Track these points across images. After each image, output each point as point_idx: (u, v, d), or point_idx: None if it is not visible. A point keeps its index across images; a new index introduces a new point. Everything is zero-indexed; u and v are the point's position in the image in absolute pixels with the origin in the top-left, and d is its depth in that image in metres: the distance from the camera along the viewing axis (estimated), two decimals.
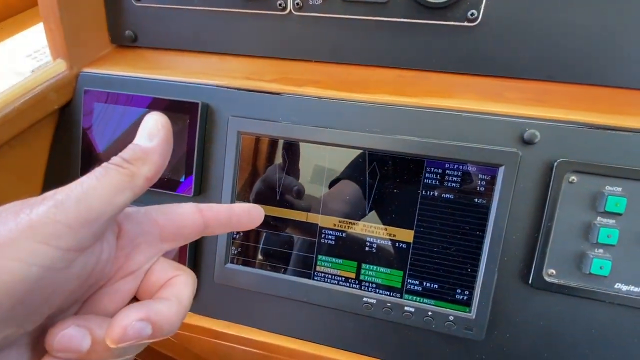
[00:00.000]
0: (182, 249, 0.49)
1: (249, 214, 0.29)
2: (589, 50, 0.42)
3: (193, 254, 0.50)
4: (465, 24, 0.42)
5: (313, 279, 0.45)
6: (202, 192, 0.49)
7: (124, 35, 0.54)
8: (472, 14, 0.42)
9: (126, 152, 0.23)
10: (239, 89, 0.47)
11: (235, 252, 0.47)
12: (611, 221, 0.39)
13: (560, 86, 0.44)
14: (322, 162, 0.44)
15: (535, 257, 0.40)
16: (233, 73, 0.49)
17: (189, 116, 0.47)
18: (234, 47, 0.51)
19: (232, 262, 0.47)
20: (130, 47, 0.55)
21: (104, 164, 0.22)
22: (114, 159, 0.23)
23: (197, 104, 0.46)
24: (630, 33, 0.41)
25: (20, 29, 0.65)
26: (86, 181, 0.21)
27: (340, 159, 0.44)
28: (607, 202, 0.38)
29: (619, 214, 0.38)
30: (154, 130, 0.24)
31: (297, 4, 0.45)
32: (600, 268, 0.39)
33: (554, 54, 0.43)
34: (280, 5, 0.46)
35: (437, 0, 0.41)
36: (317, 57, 0.49)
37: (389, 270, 0.43)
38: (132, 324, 0.21)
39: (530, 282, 0.41)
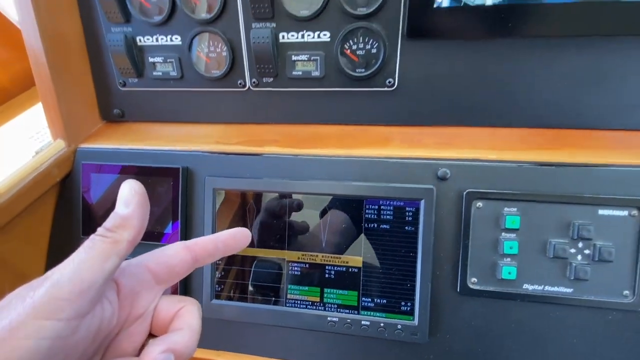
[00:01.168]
0: (173, 289, 0.58)
1: (234, 238, 0.31)
2: (488, 98, 0.53)
3: (184, 292, 0.58)
4: (386, 89, 0.54)
5: (285, 306, 0.54)
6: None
7: (113, 113, 0.64)
8: (389, 82, 0.53)
9: (108, 222, 0.26)
10: (212, 153, 0.57)
11: (219, 289, 0.56)
12: (512, 235, 0.49)
13: (466, 130, 0.55)
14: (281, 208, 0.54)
15: (459, 269, 0.50)
16: (206, 139, 0.59)
17: (172, 179, 0.56)
18: (206, 117, 0.61)
19: (217, 298, 0.56)
20: (119, 122, 0.65)
21: (91, 236, 0.26)
22: (99, 230, 0.26)
23: (178, 168, 0.56)
24: (517, 83, 0.52)
25: (18, 112, 0.75)
26: (76, 257, 0.24)
27: (299, 203, 0.54)
28: (506, 220, 0.49)
29: (517, 229, 0.49)
30: (129, 197, 0.27)
31: (254, 82, 0.57)
32: (509, 273, 0.49)
33: (459, 104, 0.54)
34: (240, 84, 0.57)
35: (360, 75, 0.53)
36: (274, 121, 0.59)
37: (346, 292, 0.53)
38: (157, 357, 0.25)
39: (458, 290, 0.50)
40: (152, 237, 0.58)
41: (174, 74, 0.58)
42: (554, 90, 0.51)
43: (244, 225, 0.55)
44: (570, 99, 0.51)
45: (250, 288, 0.55)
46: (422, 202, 0.50)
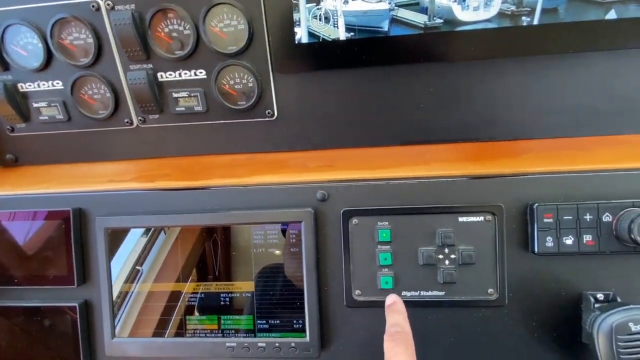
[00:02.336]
0: (74, 328, 0.57)
1: None
2: (361, 121, 0.57)
3: (86, 333, 0.58)
4: (267, 119, 0.57)
5: (185, 337, 0.55)
6: (86, 281, 0.58)
7: (6, 159, 0.63)
8: (268, 112, 0.56)
9: None
10: (104, 192, 0.58)
11: (119, 326, 0.56)
12: (385, 247, 0.53)
13: (346, 151, 0.59)
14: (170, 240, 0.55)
15: (344, 282, 0.53)
16: (100, 178, 0.60)
17: (63, 222, 0.56)
18: (99, 156, 0.62)
19: (118, 336, 0.56)
20: (14, 167, 0.64)
21: None
22: None
23: (69, 211, 0.56)
24: (383, 105, 0.57)
25: None
26: None
27: (191, 235, 0.55)
28: (379, 234, 0.53)
29: (389, 242, 0.53)
30: None
31: (140, 119, 0.58)
32: (386, 283, 0.53)
33: (337, 128, 0.58)
34: (127, 122, 0.58)
35: (242, 107, 0.56)
36: (165, 154, 0.61)
37: (242, 317, 0.55)
38: None
39: (345, 303, 0.54)
40: (48, 281, 0.58)
41: (60, 117, 0.58)
42: (414, 110, 0.56)
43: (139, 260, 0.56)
44: (429, 116, 0.56)
45: (151, 322, 0.56)
46: (303, 224, 0.53)
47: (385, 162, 0.56)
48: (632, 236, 0.46)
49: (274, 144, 0.59)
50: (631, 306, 0.44)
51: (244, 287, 0.54)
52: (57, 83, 0.57)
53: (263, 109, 0.56)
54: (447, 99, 0.54)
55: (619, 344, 0.43)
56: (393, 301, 0.49)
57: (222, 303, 0.55)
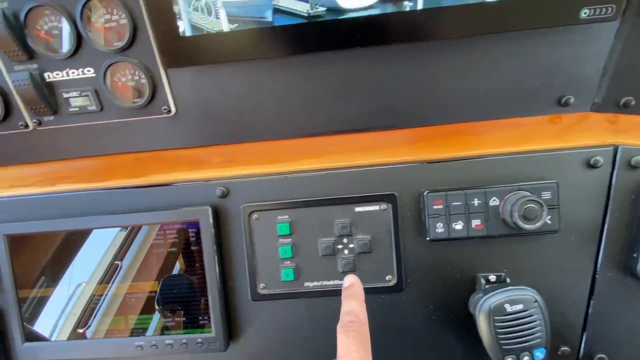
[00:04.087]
0: None
1: None
2: (262, 114, 0.56)
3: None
4: (165, 115, 0.56)
5: (96, 337, 0.55)
6: None
7: None
8: (165, 109, 0.55)
9: None
10: (6, 197, 0.56)
11: (28, 331, 0.56)
12: (286, 240, 0.53)
13: (248, 145, 0.58)
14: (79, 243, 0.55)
15: (248, 277, 0.54)
16: (1, 183, 0.58)
17: None
18: None
19: (28, 340, 0.56)
20: None
21: None
22: None
23: None
24: (282, 98, 0.55)
25: None
26: None
27: (97, 238, 0.55)
28: (279, 228, 0.53)
29: (289, 235, 0.53)
30: None
31: (35, 122, 0.56)
32: (287, 275, 0.53)
33: (239, 122, 0.56)
34: (22, 125, 0.56)
35: (137, 105, 0.54)
36: (66, 156, 0.59)
37: (149, 316, 0.55)
38: None
39: (250, 297, 0.54)
40: None
41: None
42: (309, 102, 0.54)
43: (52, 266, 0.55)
44: (324, 107, 0.54)
45: (61, 325, 0.56)
46: (200, 222, 0.53)
47: (285, 155, 0.56)
48: (513, 220, 0.47)
49: (175, 140, 0.57)
50: (508, 288, 0.46)
51: (148, 287, 0.54)
52: None
53: (159, 106, 0.55)
54: (341, 89, 0.53)
55: (496, 324, 0.45)
56: (350, 283, 0.45)
57: (129, 304, 0.55)
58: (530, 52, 0.50)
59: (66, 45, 0.51)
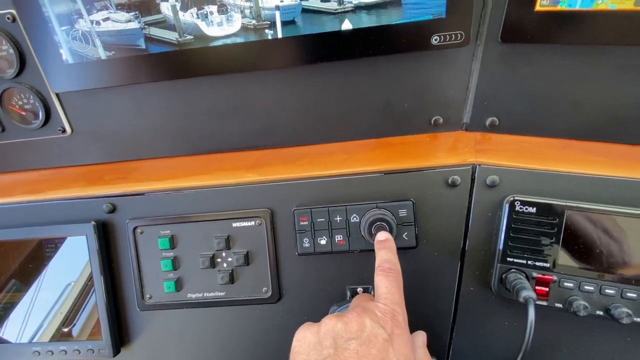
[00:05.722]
0: None
1: None
2: (155, 133, 0.59)
3: None
4: (61, 135, 0.59)
5: None
6: None
7: None
8: (60, 129, 0.58)
9: None
10: None
11: None
12: (168, 254, 0.56)
13: (142, 163, 0.61)
14: None
15: (135, 287, 0.57)
16: None
17: None
18: None
19: None
20: None
21: None
22: None
23: None
24: (168, 118, 0.59)
25: None
26: None
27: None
28: (160, 242, 0.56)
29: (170, 249, 0.56)
30: None
31: None
32: (169, 287, 0.56)
33: (134, 140, 0.59)
34: None
35: (32, 127, 0.58)
36: None
37: (48, 324, 0.58)
38: None
39: (138, 307, 0.57)
40: None
41: None
42: (196, 122, 0.57)
43: None
44: (211, 127, 0.57)
45: None
46: (85, 237, 0.56)
47: (174, 172, 0.59)
48: (364, 235, 0.49)
49: (73, 158, 0.61)
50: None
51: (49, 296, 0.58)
52: None
53: (55, 126, 0.59)
54: (224, 110, 0.56)
55: None
56: (385, 238, 0.48)
57: (28, 311, 0.59)
58: (396, 75, 0.53)
59: None
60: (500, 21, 0.46)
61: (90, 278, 0.57)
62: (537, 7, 0.45)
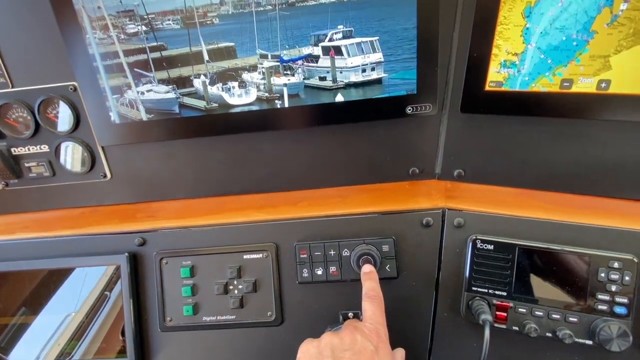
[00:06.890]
0: None
1: None
2: (180, 178, 0.71)
3: None
4: (102, 179, 0.71)
5: None
6: None
7: None
8: (102, 174, 0.70)
9: None
10: None
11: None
12: (188, 282, 0.66)
13: (168, 203, 0.72)
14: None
15: (158, 310, 0.66)
16: None
17: None
18: None
19: None
20: None
21: None
22: None
23: None
24: (194, 167, 0.71)
25: None
26: None
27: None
28: (182, 271, 0.66)
29: (190, 277, 0.66)
30: None
31: (3, 184, 0.72)
32: (187, 311, 0.66)
33: (163, 184, 0.71)
34: None
35: (81, 172, 0.70)
36: (24, 210, 0.74)
37: (76, 342, 0.67)
38: None
39: (159, 328, 0.66)
40: None
41: None
42: (217, 169, 0.69)
43: None
44: (231, 173, 0.69)
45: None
46: (121, 266, 0.66)
47: (195, 211, 0.70)
48: (354, 267, 0.60)
49: (111, 198, 0.72)
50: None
51: (78, 317, 0.67)
52: None
53: (98, 172, 0.71)
54: (239, 161, 0.68)
55: None
56: (370, 270, 0.58)
57: (57, 329, 0.67)
58: (380, 136, 0.65)
59: (28, 129, 0.68)
60: (459, 97, 0.59)
61: (92, 309, 0.67)
62: (487, 87, 0.58)
